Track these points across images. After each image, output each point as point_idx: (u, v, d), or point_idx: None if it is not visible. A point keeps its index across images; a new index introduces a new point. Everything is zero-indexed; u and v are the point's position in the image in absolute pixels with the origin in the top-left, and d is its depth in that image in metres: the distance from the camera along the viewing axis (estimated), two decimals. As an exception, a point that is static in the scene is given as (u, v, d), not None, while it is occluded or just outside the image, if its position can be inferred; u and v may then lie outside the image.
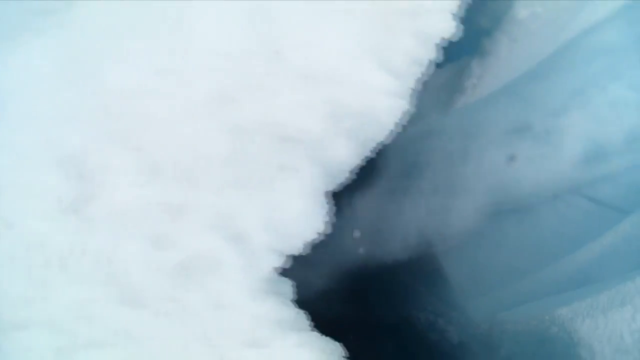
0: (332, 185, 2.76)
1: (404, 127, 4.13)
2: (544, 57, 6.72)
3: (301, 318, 3.01)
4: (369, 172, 8.77)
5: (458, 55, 7.42)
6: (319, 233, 2.61)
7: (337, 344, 3.48)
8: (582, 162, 7.10)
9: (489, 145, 7.19)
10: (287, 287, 3.26)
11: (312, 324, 3.31)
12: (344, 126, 3.13)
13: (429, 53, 3.53)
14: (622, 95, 6.77)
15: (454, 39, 4.39)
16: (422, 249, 8.27)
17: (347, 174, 2.85)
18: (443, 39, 3.69)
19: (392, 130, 3.31)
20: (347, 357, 3.59)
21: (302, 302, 3.43)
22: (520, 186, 7.37)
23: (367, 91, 3.18)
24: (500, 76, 6.84)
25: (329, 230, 2.77)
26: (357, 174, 8.79)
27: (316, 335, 3.08)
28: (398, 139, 8.08)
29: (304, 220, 2.99)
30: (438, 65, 7.75)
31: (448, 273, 8.16)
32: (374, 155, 8.52)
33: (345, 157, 2.68)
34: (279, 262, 3.11)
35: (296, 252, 3.12)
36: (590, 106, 6.81)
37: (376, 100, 3.14)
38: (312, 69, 3.25)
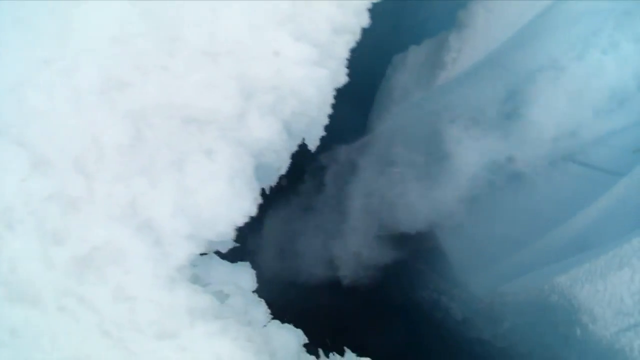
0: (261, 165, 2.56)
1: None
2: (522, 24, 6.63)
3: (215, 306, 2.85)
4: (364, 147, 8.77)
5: (435, 31, 7.34)
6: (248, 215, 2.40)
7: (298, 330, 3.37)
8: (571, 128, 7.03)
9: (477, 117, 7.13)
10: (207, 274, 3.08)
11: (270, 312, 3.21)
12: (257, 102, 2.86)
13: (358, 20, 3.21)
14: (604, 57, 6.68)
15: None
16: (417, 226, 8.25)
17: (273, 153, 2.63)
18: (371, 3, 3.39)
19: (322, 101, 3.05)
20: (308, 344, 3.49)
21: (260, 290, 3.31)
22: (511, 155, 7.31)
23: (281, 63, 2.94)
24: (480, 48, 6.76)
25: (268, 211, 2.62)
26: (352, 149, 8.84)
27: (235, 322, 2.91)
28: (384, 117, 8.09)
29: (225, 204, 2.77)
30: (416, 43, 7.75)
31: (447, 249, 8.14)
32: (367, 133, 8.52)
33: (267, 134, 2.46)
34: (197, 249, 2.93)
35: (223, 237, 2.93)
36: (573, 70, 6.73)
37: (293, 72, 2.90)
38: (216, 46, 3.03)
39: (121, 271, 2.90)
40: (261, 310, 3.09)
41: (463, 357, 8.65)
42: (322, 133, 3.37)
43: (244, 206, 2.57)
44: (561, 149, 7.22)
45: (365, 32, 3.59)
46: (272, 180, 2.91)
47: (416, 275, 9.22)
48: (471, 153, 7.43)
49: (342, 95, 9.27)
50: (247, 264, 3.26)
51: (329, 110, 2.87)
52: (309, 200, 9.94)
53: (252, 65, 2.93)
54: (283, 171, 2.95)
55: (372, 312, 11.01)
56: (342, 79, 2.68)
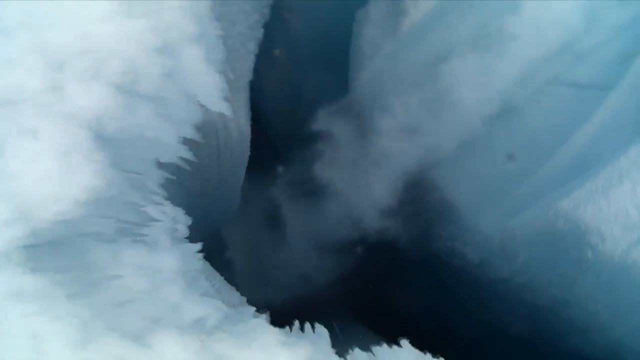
0: (103, 134, 2.26)
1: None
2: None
3: (46, 285, 2.53)
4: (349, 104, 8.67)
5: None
6: (91, 188, 2.10)
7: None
8: (552, 49, 6.81)
9: (453, 54, 6.95)
10: (42, 255, 2.71)
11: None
12: (71, 71, 2.49)
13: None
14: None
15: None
16: (418, 175, 8.16)
17: (116, 120, 2.28)
18: None
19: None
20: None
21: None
22: (497, 86, 7.13)
23: (84, 24, 2.55)
24: (439, -15, 6.55)
25: (118, 183, 2.26)
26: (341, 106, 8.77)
27: (63, 303, 2.56)
28: (360, 75, 7.95)
29: (57, 182, 2.42)
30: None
31: (452, 195, 8.05)
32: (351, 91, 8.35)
33: (96, 101, 2.15)
34: (26, 232, 2.64)
35: (64, 215, 2.56)
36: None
37: (100, 31, 2.50)
38: (6, 20, 2.71)
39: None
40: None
41: (488, 300, 8.59)
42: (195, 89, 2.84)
43: (82, 180, 2.26)
44: (546, 72, 7.01)
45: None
46: (137, 148, 2.59)
47: (428, 227, 9.15)
48: (457, 92, 7.28)
49: (317, 60, 9.18)
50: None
51: (172, 62, 2.46)
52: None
53: (53, 34, 2.54)
54: (155, 133, 2.55)
55: (394, 272, 11.02)
56: (162, 25, 2.30)
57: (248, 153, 8.40)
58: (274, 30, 8.53)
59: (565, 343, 7.62)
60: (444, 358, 9.36)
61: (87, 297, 1.87)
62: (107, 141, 2.30)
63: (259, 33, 7.41)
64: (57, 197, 2.24)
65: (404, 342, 2.17)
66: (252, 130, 8.59)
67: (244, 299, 6.28)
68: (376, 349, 2.23)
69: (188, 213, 5.98)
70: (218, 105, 2.72)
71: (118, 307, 1.92)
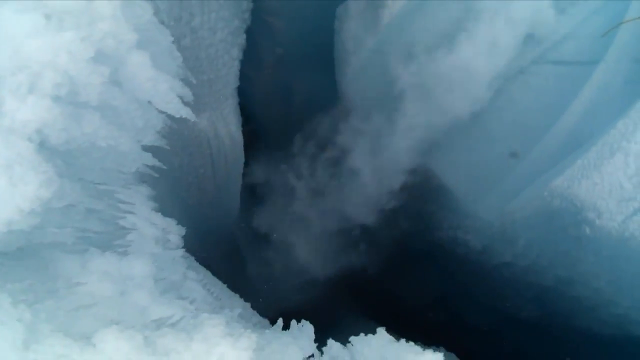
0: (47, 144, 2.20)
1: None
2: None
3: None
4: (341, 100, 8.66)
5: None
6: (37, 199, 2.04)
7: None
8: (535, 29, 6.78)
9: (437, 42, 6.92)
10: None
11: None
12: (7, 87, 2.34)
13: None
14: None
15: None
16: (414, 165, 8.15)
17: (60, 131, 2.20)
18: None
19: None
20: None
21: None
22: (484, 69, 7.10)
23: (14, 41, 2.46)
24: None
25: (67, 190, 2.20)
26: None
27: (7, 309, 2.35)
28: (346, 71, 7.94)
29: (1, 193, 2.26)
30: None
31: (449, 183, 8.02)
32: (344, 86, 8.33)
33: (35, 114, 2.08)
34: None
35: (10, 226, 2.39)
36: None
37: (30, 46, 2.42)
38: None
39: None
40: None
41: (496, 286, 8.57)
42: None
43: (27, 190, 2.19)
44: (531, 53, 6.98)
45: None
46: (93, 158, 2.55)
47: (429, 218, 9.14)
48: (444, 79, 7.25)
49: (305, 60, 9.18)
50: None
51: (108, 70, 2.37)
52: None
53: None
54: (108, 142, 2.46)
55: (400, 264, 11.02)
56: (96, 36, 2.24)
57: (242, 159, 8.44)
58: (258, 35, 8.57)
59: (574, 322, 7.59)
60: (460, 349, 9.34)
61: (40, 303, 1.87)
62: (54, 152, 2.28)
63: (242, 39, 7.44)
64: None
65: (380, 330, 2.17)
66: (246, 136, 8.63)
67: (248, 304, 6.30)
68: (353, 338, 2.23)
69: (186, 223, 6.01)
70: (179, 110, 2.72)
71: (73, 312, 1.94)
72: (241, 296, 6.46)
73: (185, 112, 2.79)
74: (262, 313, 6.44)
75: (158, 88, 2.57)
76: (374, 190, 9.33)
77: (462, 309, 9.98)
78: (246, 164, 8.83)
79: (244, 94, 8.37)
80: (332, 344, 2.30)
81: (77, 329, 1.79)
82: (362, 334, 2.27)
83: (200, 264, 5.98)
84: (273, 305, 9.88)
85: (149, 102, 2.65)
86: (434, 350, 2.68)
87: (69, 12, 2.29)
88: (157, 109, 2.77)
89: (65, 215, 2.38)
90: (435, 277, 10.15)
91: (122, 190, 2.91)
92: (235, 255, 10.72)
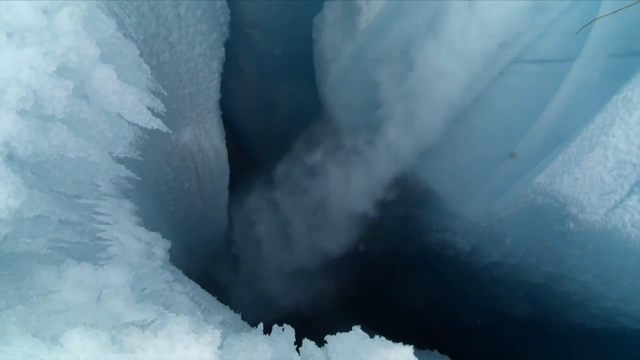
0: (15, 156, 2.20)
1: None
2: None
3: None
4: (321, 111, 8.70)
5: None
6: (5, 209, 2.01)
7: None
8: (511, 29, 6.84)
9: (415, 44, 6.98)
10: None
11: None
12: None
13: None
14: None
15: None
16: (399, 170, 8.18)
17: (26, 143, 2.16)
18: None
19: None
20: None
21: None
22: (463, 70, 7.15)
23: None
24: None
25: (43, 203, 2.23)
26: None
27: None
28: (326, 79, 7.99)
29: None
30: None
31: (435, 186, 8.06)
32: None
33: (3, 128, 2.05)
34: None
35: None
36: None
37: None
38: None
39: None
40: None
41: (487, 286, 8.59)
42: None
43: None
44: (508, 53, 7.05)
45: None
46: (64, 170, 2.57)
47: (417, 222, 9.16)
48: (424, 83, 7.30)
49: (286, 71, 9.23)
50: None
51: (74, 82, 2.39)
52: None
53: None
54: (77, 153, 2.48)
55: (393, 271, 11.04)
56: (67, 42, 2.28)
57: (228, 172, 8.46)
58: (237, 47, 8.61)
59: (566, 318, 7.62)
60: (454, 350, 9.31)
61: (11, 308, 1.88)
62: (22, 164, 2.28)
63: (221, 52, 7.48)
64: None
65: (355, 327, 2.18)
66: (230, 149, 8.65)
67: (238, 316, 6.28)
68: (328, 337, 2.24)
69: (173, 237, 5.99)
70: (149, 122, 2.73)
71: (44, 317, 1.95)
72: (231, 308, 6.43)
73: (156, 124, 2.80)
74: (254, 324, 6.41)
75: (125, 100, 2.58)
76: (358, 197, 9.36)
77: (455, 311, 9.99)
78: (231, 178, 8.85)
79: (226, 106, 8.41)
80: (307, 343, 2.31)
81: (48, 332, 1.80)
82: (337, 333, 2.29)
83: (188, 276, 5.97)
84: (264, 316, 9.84)
85: (118, 114, 2.67)
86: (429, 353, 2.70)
87: (30, 29, 2.31)
88: (127, 120, 2.79)
89: (38, 225, 2.39)
90: (427, 281, 10.16)
91: (97, 202, 2.92)
92: (225, 265, 10.72)
